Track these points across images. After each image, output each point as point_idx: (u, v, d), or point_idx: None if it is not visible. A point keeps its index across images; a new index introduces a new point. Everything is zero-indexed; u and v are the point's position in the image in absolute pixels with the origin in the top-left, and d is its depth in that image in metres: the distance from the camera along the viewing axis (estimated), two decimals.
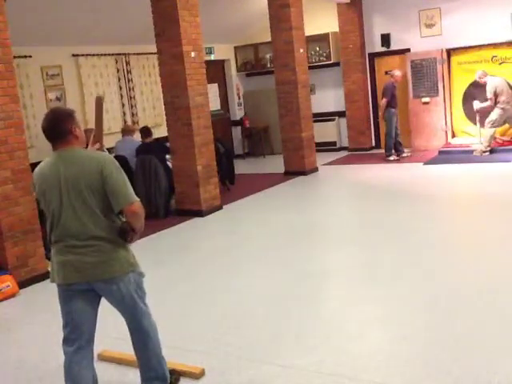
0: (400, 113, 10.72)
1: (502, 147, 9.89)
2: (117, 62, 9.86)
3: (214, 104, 10.84)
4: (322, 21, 11.76)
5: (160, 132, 9.58)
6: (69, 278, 2.87)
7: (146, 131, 8.35)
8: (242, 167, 11.00)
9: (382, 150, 10.87)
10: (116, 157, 7.24)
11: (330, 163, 10.86)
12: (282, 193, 8.81)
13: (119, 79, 9.89)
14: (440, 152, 10.33)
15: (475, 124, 10.23)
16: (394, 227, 6.24)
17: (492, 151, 9.71)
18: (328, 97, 12.26)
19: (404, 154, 10.60)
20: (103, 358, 3.66)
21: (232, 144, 12.67)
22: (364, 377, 3.21)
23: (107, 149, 6.95)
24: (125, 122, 9.79)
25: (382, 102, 10.33)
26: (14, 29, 5.56)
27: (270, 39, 9.85)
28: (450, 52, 10.77)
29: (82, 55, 9.22)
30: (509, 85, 9.81)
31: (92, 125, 3.76)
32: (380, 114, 10.81)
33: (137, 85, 10.20)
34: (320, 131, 11.69)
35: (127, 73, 10.03)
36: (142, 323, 3.04)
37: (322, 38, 11.77)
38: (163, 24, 7.29)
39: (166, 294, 4.80)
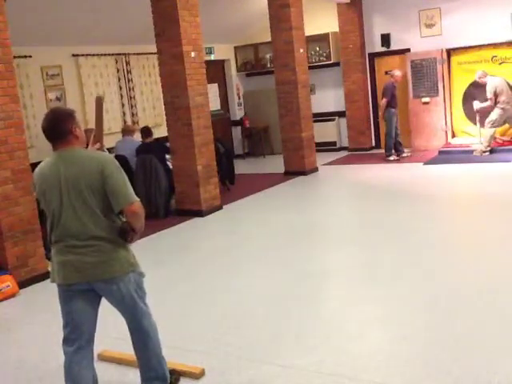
0: (400, 113, 10.72)
1: (501, 147, 9.89)
2: (117, 62, 9.86)
3: (214, 104, 10.84)
4: (321, 21, 11.76)
5: (160, 132, 9.58)
6: (69, 278, 2.87)
7: (146, 131, 8.35)
8: (241, 167, 11.00)
9: (382, 150, 10.87)
10: (116, 157, 7.24)
11: (330, 163, 10.86)
12: (282, 193, 8.81)
13: (119, 79, 9.89)
14: (440, 152, 10.33)
15: (475, 124, 10.23)
16: (393, 227, 6.24)
17: (492, 151, 9.71)
18: (328, 97, 12.26)
19: (404, 154, 10.60)
20: (103, 358, 3.66)
21: (232, 144, 12.67)
22: (364, 377, 3.21)
23: (107, 149, 6.96)
24: (125, 122, 9.79)
25: (382, 102, 10.33)
26: (13, 29, 5.56)
27: (270, 39, 9.85)
28: (449, 52, 10.77)
29: (82, 55, 9.22)
30: (509, 85, 9.81)
31: (92, 125, 3.76)
32: (380, 114, 10.81)
33: (137, 85, 10.20)
34: (320, 131, 11.69)
35: (127, 73, 10.03)
36: (142, 323, 3.04)
37: (322, 38, 11.77)
38: (163, 24, 7.29)
39: (166, 294, 4.80)
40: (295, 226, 6.76)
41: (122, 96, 9.92)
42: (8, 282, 5.08)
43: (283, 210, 7.69)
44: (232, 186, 9.18)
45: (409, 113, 11.07)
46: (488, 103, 9.67)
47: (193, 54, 7.36)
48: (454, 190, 7.88)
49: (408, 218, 6.57)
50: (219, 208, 7.82)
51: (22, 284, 5.25)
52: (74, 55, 9.13)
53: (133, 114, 10.09)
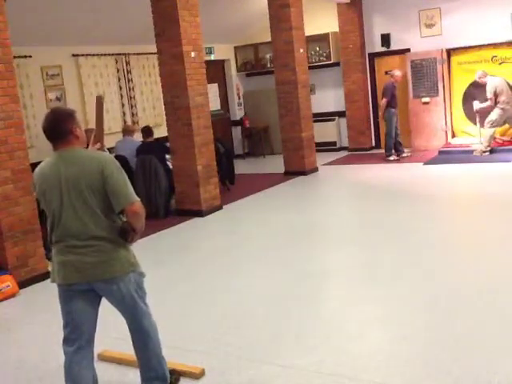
0: (400, 113, 10.72)
1: (502, 147, 9.89)
2: (117, 62, 9.86)
3: (214, 104, 10.84)
4: (321, 21, 11.76)
5: (160, 132, 9.58)
6: (69, 278, 2.87)
7: (147, 131, 8.36)
8: (241, 167, 11.00)
9: (382, 150, 10.87)
10: (116, 157, 7.24)
11: (330, 163, 10.86)
12: (282, 193, 8.81)
13: (119, 79, 9.89)
14: (440, 152, 10.33)
15: (475, 124, 10.23)
16: (393, 227, 6.24)
17: (492, 151, 9.71)
18: (328, 97, 12.26)
19: (404, 154, 10.60)
20: (103, 358, 3.66)
21: (232, 144, 12.67)
22: (364, 377, 3.21)
23: (108, 149, 6.96)
24: (125, 122, 9.79)
25: (382, 102, 10.33)
26: (14, 29, 5.56)
27: (270, 39, 9.85)
28: (449, 52, 10.77)
29: (82, 55, 9.22)
30: (509, 85, 9.81)
31: (92, 125, 3.76)
32: (380, 114, 10.81)
33: (137, 85, 10.20)
34: (320, 131, 11.69)
35: (127, 73, 10.03)
36: (142, 323, 3.04)
37: (322, 38, 11.77)
38: (163, 24, 7.29)
39: (166, 294, 4.80)
40: (295, 226, 6.76)
41: (122, 96, 9.92)
42: (8, 282, 5.08)
43: (283, 210, 7.69)
44: (232, 186, 9.18)
45: (409, 113, 11.08)
46: (488, 103, 9.68)
47: (193, 54, 7.36)
48: (454, 190, 7.88)
49: (408, 218, 6.57)
50: (219, 208, 7.82)
51: (22, 284, 5.25)
52: (74, 55, 9.14)
53: (133, 114, 10.09)
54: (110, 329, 3.84)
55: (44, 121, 2.90)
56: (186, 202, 7.66)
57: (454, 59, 10.81)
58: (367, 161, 10.76)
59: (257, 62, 12.65)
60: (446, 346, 3.47)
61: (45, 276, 5.25)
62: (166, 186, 7.80)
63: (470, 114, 10.45)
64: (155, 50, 7.61)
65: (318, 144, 10.79)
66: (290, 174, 9.83)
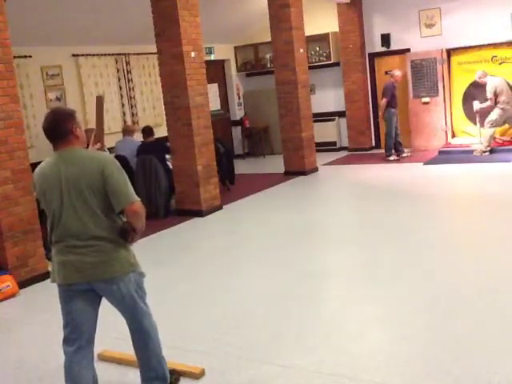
0: (400, 113, 10.72)
1: (502, 147, 9.89)
2: (117, 62, 9.86)
3: (214, 104, 10.84)
4: (321, 21, 11.76)
5: (160, 132, 9.58)
6: (69, 278, 2.87)
7: (148, 131, 8.38)
8: (241, 167, 11.00)
9: (382, 150, 10.88)
10: (116, 157, 7.24)
11: (330, 163, 10.86)
12: (282, 193, 8.81)
13: (119, 79, 9.90)
14: (440, 152, 10.33)
15: (475, 124, 10.23)
16: (393, 227, 6.24)
17: (492, 151, 9.71)
18: (328, 97, 12.26)
19: (404, 154, 10.60)
20: (103, 358, 3.66)
21: (232, 144, 12.67)
22: (364, 377, 3.21)
23: (108, 149, 6.96)
24: (125, 122, 9.79)
25: (382, 102, 10.33)
26: (14, 29, 5.56)
27: (270, 39, 9.86)
28: (449, 52, 10.77)
29: (82, 55, 9.23)
30: (509, 85, 9.81)
31: (92, 125, 3.76)
32: (380, 114, 10.81)
33: (137, 85, 10.20)
34: (320, 131, 11.69)
35: (127, 73, 10.04)
36: (142, 323, 3.04)
37: (322, 38, 11.77)
38: (163, 24, 7.29)
39: (166, 294, 4.80)
40: (295, 226, 6.76)
41: (122, 96, 9.92)
42: (8, 282, 5.08)
43: (283, 209, 7.69)
44: (232, 186, 9.18)
45: (409, 113, 11.08)
46: (488, 103, 9.68)
47: (193, 54, 7.36)
48: (454, 190, 7.88)
49: (408, 218, 6.57)
50: (219, 208, 7.82)
51: (22, 284, 5.25)
52: (74, 55, 9.14)
53: (133, 114, 10.09)
54: (110, 329, 3.84)
55: (44, 121, 2.90)
56: (186, 202, 7.66)
57: (454, 59, 10.81)
58: (367, 161, 10.76)
59: (257, 62, 12.65)
60: (446, 346, 3.47)
61: (45, 276, 5.25)
62: (166, 186, 7.80)
63: (470, 114, 10.45)
64: (155, 50, 7.61)
65: (317, 144, 10.79)
66: (289, 173, 9.83)
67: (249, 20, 11.76)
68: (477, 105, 9.90)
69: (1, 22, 5.24)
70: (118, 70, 9.87)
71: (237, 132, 12.98)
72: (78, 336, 2.92)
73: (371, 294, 4.43)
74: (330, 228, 6.66)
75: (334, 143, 12.29)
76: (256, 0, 10.77)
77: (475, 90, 10.29)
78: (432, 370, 3.20)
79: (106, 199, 2.84)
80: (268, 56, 12.15)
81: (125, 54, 9.94)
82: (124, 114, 9.93)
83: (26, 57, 8.27)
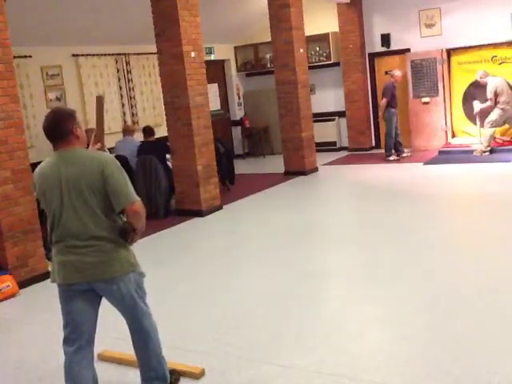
0: (400, 113, 10.72)
1: (502, 147, 9.90)
2: (117, 62, 9.86)
3: (214, 104, 10.84)
4: (321, 21, 11.76)
5: (160, 132, 9.59)
6: (69, 278, 2.87)
7: (148, 130, 8.40)
8: (242, 167, 11.00)
9: (382, 150, 10.88)
10: (116, 157, 7.24)
11: (330, 163, 10.86)
12: (282, 193, 8.81)
13: (119, 79, 9.90)
14: (440, 152, 10.33)
15: (475, 124, 10.23)
16: (394, 227, 6.24)
17: (492, 151, 9.71)
18: (328, 97, 12.26)
19: (404, 154, 10.60)
20: (103, 358, 3.66)
21: (232, 144, 12.67)
22: (364, 377, 3.21)
23: (108, 149, 6.96)
24: (125, 122, 9.80)
25: (382, 102, 10.33)
26: (14, 29, 5.56)
27: (270, 39, 9.86)
28: (449, 52, 10.77)
29: (82, 55, 9.23)
30: (509, 85, 9.81)
31: (92, 125, 3.76)
32: (380, 114, 10.81)
33: (137, 85, 10.20)
34: (320, 131, 11.69)
35: (127, 73, 10.04)
36: (142, 323, 3.04)
37: (322, 38, 11.77)
38: (163, 24, 7.29)
39: (166, 294, 4.80)
40: (295, 226, 6.76)
41: (122, 96, 9.92)
42: (8, 282, 5.08)
43: (283, 209, 7.69)
44: (232, 186, 9.18)
45: (409, 113, 11.08)
46: (488, 103, 9.67)
47: (193, 54, 7.36)
48: (454, 190, 7.88)
49: (408, 218, 6.57)
50: (219, 208, 7.82)
51: (22, 284, 5.25)
52: (74, 55, 9.14)
53: (133, 114, 10.09)
54: (110, 329, 3.84)
55: (44, 121, 2.90)
56: (186, 202, 7.66)
57: (454, 59, 10.81)
58: (367, 161, 10.76)
59: (257, 62, 12.65)
60: (446, 346, 3.47)
61: (45, 276, 5.25)
62: (166, 186, 7.80)
63: (470, 114, 10.44)
64: (155, 50, 7.61)
65: (318, 144, 10.79)
66: (289, 173, 9.83)
67: (249, 20, 11.76)
68: (477, 106, 9.90)
69: (1, 22, 5.24)
70: (118, 70, 9.87)
71: (237, 132, 12.98)
72: (78, 336, 2.92)
73: (371, 294, 4.43)
74: (330, 228, 6.66)
75: (334, 143, 12.29)
76: (256, 0, 10.77)
77: (475, 89, 10.29)
78: (432, 370, 3.20)
79: (106, 199, 2.84)
80: (268, 56, 12.15)
81: (125, 54, 9.95)
82: (124, 114, 9.94)
83: (26, 57, 8.27)
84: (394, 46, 11.38)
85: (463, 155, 9.81)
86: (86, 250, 2.83)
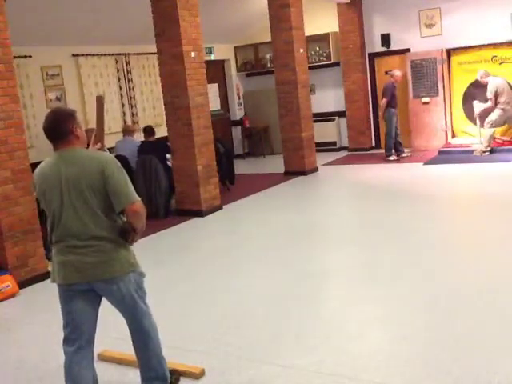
0: (400, 113, 10.72)
1: (501, 147, 9.90)
2: (117, 62, 9.86)
3: (214, 104, 10.84)
4: (321, 21, 11.76)
5: (160, 132, 9.59)
6: (69, 278, 2.87)
7: (149, 130, 8.40)
8: (242, 167, 11.00)
9: (382, 150, 10.88)
10: (116, 156, 7.23)
11: (330, 163, 10.86)
12: (282, 193, 8.81)
13: (119, 79, 9.90)
14: (440, 152, 10.33)
15: (475, 124, 10.23)
16: (393, 227, 6.24)
17: (492, 151, 9.71)
18: (328, 97, 12.27)
19: (404, 154, 10.60)
20: (103, 358, 3.66)
21: (232, 144, 12.67)
22: (364, 377, 3.21)
23: (108, 148, 6.96)
24: (125, 122, 9.80)
25: (382, 102, 10.33)
26: (14, 29, 5.56)
27: (270, 39, 9.86)
28: (449, 52, 10.77)
29: (82, 55, 9.23)
30: (510, 85, 9.81)
31: (92, 125, 3.76)
32: (380, 114, 10.81)
33: (137, 85, 10.20)
34: (320, 131, 11.69)
35: (127, 73, 10.04)
36: (142, 323, 3.04)
37: (322, 38, 11.77)
38: (163, 24, 7.29)
39: (166, 294, 4.80)
40: (295, 226, 6.76)
41: (122, 96, 9.92)
42: (8, 282, 5.08)
43: (283, 209, 7.69)
44: (232, 186, 9.18)
45: (409, 113, 11.08)
46: (488, 104, 9.67)
47: (193, 54, 7.36)
48: (454, 190, 7.88)
49: (408, 218, 6.57)
50: (219, 208, 7.82)
51: (22, 284, 5.25)
52: (74, 55, 9.14)
53: (133, 114, 10.10)
54: (110, 329, 3.84)
55: (45, 121, 2.91)
56: (186, 202, 7.66)
57: (454, 59, 10.81)
58: (367, 161, 10.76)
59: (257, 62, 12.65)
60: (446, 346, 3.47)
61: (45, 276, 5.25)
62: (166, 186, 7.80)
63: (470, 114, 10.45)
64: (155, 50, 7.61)
65: (318, 144, 10.79)
66: (290, 173, 9.83)
67: (249, 20, 11.76)
68: (477, 106, 9.89)
69: (1, 22, 5.24)
70: (118, 70, 9.87)
71: (237, 132, 12.98)
72: (78, 336, 2.92)
73: (371, 293, 4.43)
74: (330, 228, 6.66)
75: (334, 143, 12.29)
76: (256, 0, 10.77)
77: (475, 89, 10.29)
78: (432, 370, 3.20)
79: (107, 199, 2.84)
80: (268, 56, 12.15)
81: (125, 54, 9.95)
82: (124, 114, 9.94)
83: (26, 57, 8.27)
84: (393, 46, 11.38)
85: (463, 155, 9.81)
86: (86, 249, 2.83)
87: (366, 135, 11.89)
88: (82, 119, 8.48)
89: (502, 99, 9.58)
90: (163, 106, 7.85)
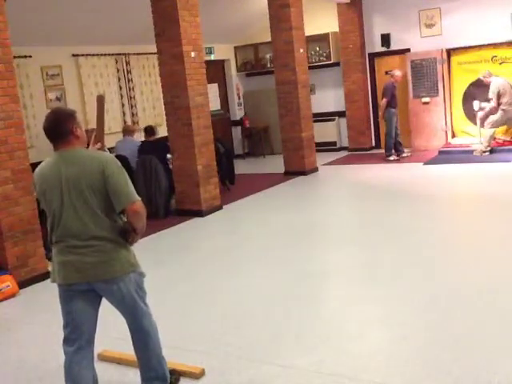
0: (400, 113, 10.72)
1: (502, 147, 9.90)
2: (117, 62, 9.87)
3: (214, 104, 10.84)
4: (321, 21, 11.76)
5: (160, 132, 9.58)
6: (69, 278, 2.87)
7: (150, 130, 8.41)
8: (242, 167, 11.00)
9: (382, 150, 10.88)
10: (117, 156, 7.23)
11: (330, 163, 10.86)
12: (282, 193, 8.81)
13: (119, 79, 9.90)
14: (440, 152, 10.34)
15: (475, 124, 10.23)
16: (393, 227, 6.24)
17: (492, 151, 9.71)
18: (328, 97, 12.27)
19: (404, 154, 10.60)
20: (103, 358, 3.66)
21: (232, 144, 12.67)
22: (364, 377, 3.21)
23: (108, 148, 6.95)
24: (125, 122, 9.80)
25: (382, 102, 10.33)
26: (13, 29, 5.56)
27: (270, 39, 9.86)
28: (449, 52, 10.77)
29: (82, 55, 9.23)
30: (511, 86, 9.80)
31: (92, 125, 3.75)
32: (380, 113, 10.80)
33: (137, 85, 10.20)
34: (320, 131, 11.69)
35: (127, 73, 10.04)
36: (142, 323, 3.04)
37: (322, 38, 11.77)
38: (163, 24, 7.29)
39: (166, 294, 4.80)
40: (295, 226, 6.76)
41: (122, 96, 9.92)
42: (8, 282, 5.08)
43: (283, 209, 7.69)
44: (232, 186, 9.18)
45: (409, 113, 11.08)
46: (492, 104, 9.62)
47: (193, 54, 7.36)
48: (454, 190, 7.88)
49: (408, 218, 6.57)
50: (219, 208, 7.82)
51: (22, 284, 5.25)
52: (74, 55, 9.14)
53: (133, 114, 10.10)
54: (110, 329, 3.85)
55: (45, 121, 2.91)
56: (186, 201, 7.66)
57: (454, 59, 10.81)
58: (367, 161, 10.76)
59: (257, 61, 12.65)
60: (446, 346, 3.47)
61: (45, 276, 5.25)
62: (166, 186, 7.80)
63: (470, 114, 10.45)
64: (155, 50, 7.61)
65: (318, 144, 10.79)
66: (290, 173, 9.83)
67: (249, 20, 11.76)
68: (476, 105, 9.88)
69: (1, 22, 5.24)
70: (118, 70, 9.87)
71: (237, 132, 12.98)
72: (78, 336, 2.92)
73: (371, 293, 4.43)
74: (330, 228, 6.66)
75: (334, 143, 12.29)
76: (256, 0, 10.77)
77: (475, 89, 10.30)
78: (432, 370, 3.20)
79: (107, 199, 2.84)
80: (268, 56, 12.15)
81: (125, 54, 9.95)
82: (124, 114, 9.94)
83: (26, 57, 8.28)
84: (393, 46, 11.38)
85: (463, 155, 9.81)
86: (87, 250, 2.83)
87: (366, 135, 11.89)
88: (82, 119, 8.48)
89: (504, 100, 9.58)
90: (163, 106, 7.85)
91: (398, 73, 10.43)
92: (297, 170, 9.81)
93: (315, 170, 10.09)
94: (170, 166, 7.85)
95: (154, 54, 8.28)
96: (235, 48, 12.76)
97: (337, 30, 11.70)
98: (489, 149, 9.68)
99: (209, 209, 7.63)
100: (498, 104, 9.59)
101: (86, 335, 2.94)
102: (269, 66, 12.11)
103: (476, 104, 9.95)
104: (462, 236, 5.86)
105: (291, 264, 5.33)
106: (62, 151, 2.88)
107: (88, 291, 2.90)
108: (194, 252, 6.11)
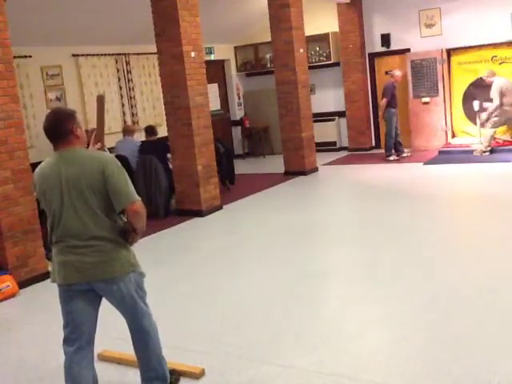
0: (400, 113, 10.72)
1: (502, 147, 9.89)
2: (117, 62, 9.87)
3: (214, 104, 10.84)
4: (321, 21, 11.76)
5: (160, 132, 9.58)
6: (69, 278, 2.87)
7: (150, 130, 8.41)
8: (242, 167, 11.00)
9: (382, 150, 10.88)
10: (117, 156, 7.23)
11: (330, 163, 10.86)
12: (282, 193, 8.81)
13: (119, 79, 9.90)
14: (440, 152, 10.34)
15: (475, 124, 10.23)
16: (393, 227, 6.24)
17: (492, 151, 9.71)
18: (328, 97, 12.27)
19: (404, 154, 10.60)
20: (103, 358, 3.66)
21: (232, 144, 12.67)
22: (364, 377, 3.21)
23: (108, 148, 6.95)
24: (125, 122, 9.80)
25: (382, 102, 10.33)
26: (13, 29, 5.56)
27: (270, 39, 9.86)
28: (449, 52, 10.77)
29: (82, 55, 9.23)
30: None
31: (92, 124, 3.75)
32: (380, 113, 10.80)
33: (137, 85, 10.20)
34: (320, 131, 11.69)
35: (127, 73, 10.04)
36: (142, 323, 3.04)
37: (322, 38, 11.77)
38: (163, 24, 7.29)
39: (166, 294, 4.80)
40: (295, 226, 6.76)
41: (122, 96, 9.92)
42: (8, 282, 5.08)
43: (283, 209, 7.69)
44: (232, 186, 9.18)
45: (409, 113, 11.08)
46: (496, 105, 9.59)
47: (193, 54, 7.36)
48: (454, 190, 7.88)
49: (408, 218, 6.57)
50: (219, 208, 7.82)
51: (22, 284, 5.25)
52: (74, 55, 9.14)
53: (133, 114, 10.10)
54: (110, 329, 3.85)
55: (45, 121, 2.91)
56: (186, 201, 7.66)
57: (454, 59, 10.81)
58: (367, 161, 10.76)
59: (257, 61, 12.65)
60: (446, 345, 3.47)
61: (45, 276, 5.25)
62: (166, 186, 7.80)
63: (470, 114, 10.45)
64: (155, 50, 7.61)
65: (318, 144, 10.79)
66: (290, 173, 9.83)
67: (249, 20, 11.76)
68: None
69: (1, 22, 5.24)
70: (118, 70, 9.87)
71: (237, 132, 12.98)
72: (78, 336, 2.92)
73: (371, 293, 4.43)
74: (330, 228, 6.66)
75: (334, 143, 12.29)
76: (256, 0, 10.77)
77: (475, 89, 10.30)
78: (432, 370, 3.20)
79: (107, 199, 2.84)
80: (268, 56, 12.15)
81: (125, 54, 9.95)
82: (124, 114, 9.94)
83: (26, 57, 8.28)
84: (393, 46, 11.38)
85: (463, 155, 9.81)
86: (87, 250, 2.83)
87: (365, 135, 11.89)
88: (82, 119, 8.47)
89: (505, 100, 9.58)
90: (163, 106, 7.85)
91: (397, 73, 10.43)
92: (297, 170, 9.81)
93: (315, 170, 10.09)
94: (170, 166, 7.85)
95: (154, 54, 8.28)
96: (235, 48, 12.76)
97: (337, 30, 11.70)
98: (489, 149, 9.68)
99: (209, 209, 7.63)
100: (500, 104, 9.59)
101: (86, 335, 2.94)
102: (269, 65, 12.11)
103: (476, 104, 9.95)
104: (462, 236, 5.86)
105: (291, 264, 5.33)
106: (62, 151, 2.88)
107: (88, 291, 2.90)
108: (194, 252, 6.11)
